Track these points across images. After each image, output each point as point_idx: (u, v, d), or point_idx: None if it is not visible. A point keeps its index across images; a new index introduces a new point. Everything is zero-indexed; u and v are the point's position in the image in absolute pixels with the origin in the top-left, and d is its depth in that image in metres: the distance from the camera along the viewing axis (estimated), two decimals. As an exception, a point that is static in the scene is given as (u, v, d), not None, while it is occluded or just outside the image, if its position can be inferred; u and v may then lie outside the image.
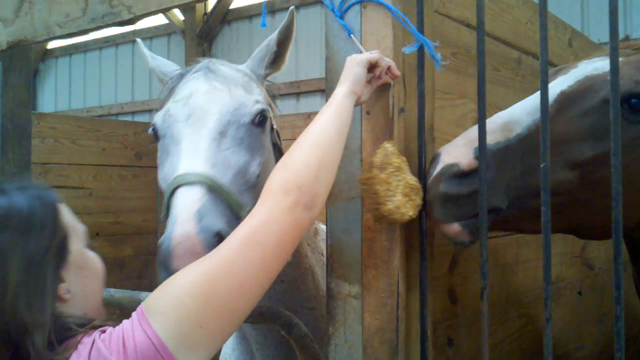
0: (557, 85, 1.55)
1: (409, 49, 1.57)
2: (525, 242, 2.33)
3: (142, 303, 1.24)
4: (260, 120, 1.92)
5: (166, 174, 1.82)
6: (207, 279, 1.23)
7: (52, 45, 10.56)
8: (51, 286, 1.29)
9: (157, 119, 1.93)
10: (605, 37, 5.88)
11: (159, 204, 6.16)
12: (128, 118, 9.35)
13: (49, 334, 1.23)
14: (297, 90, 7.71)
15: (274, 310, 1.82)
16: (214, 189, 1.67)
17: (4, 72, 2.77)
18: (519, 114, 1.52)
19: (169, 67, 2.23)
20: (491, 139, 1.44)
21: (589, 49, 3.00)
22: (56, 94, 10.85)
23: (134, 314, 1.23)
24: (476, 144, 1.41)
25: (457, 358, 1.90)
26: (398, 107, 1.61)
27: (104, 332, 1.24)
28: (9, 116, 2.81)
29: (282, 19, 2.12)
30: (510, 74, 2.29)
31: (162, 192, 1.85)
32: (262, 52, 2.15)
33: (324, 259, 1.92)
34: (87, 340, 1.22)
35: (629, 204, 1.35)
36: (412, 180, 1.52)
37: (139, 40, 2.42)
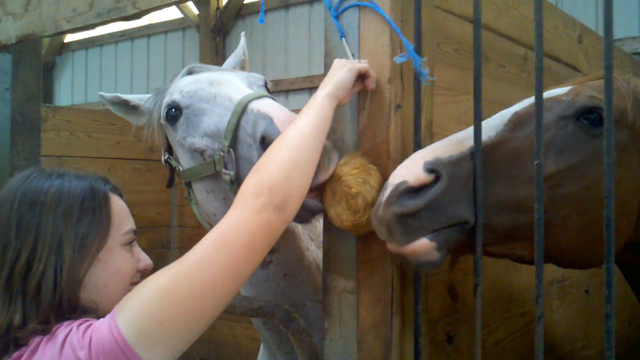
0: (511, 109, 1.57)
1: (399, 60, 1.57)
2: (528, 239, 2.31)
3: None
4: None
5: (212, 122, 1.79)
6: (171, 278, 1.25)
7: (69, 38, 10.67)
8: (86, 267, 1.37)
9: (175, 96, 1.90)
10: (619, 33, 5.79)
11: (173, 197, 6.21)
12: (143, 111, 9.42)
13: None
14: (310, 85, 7.70)
15: (273, 304, 1.84)
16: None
17: (14, 66, 2.81)
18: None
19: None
20: (443, 152, 1.44)
21: (600, 46, 2.96)
22: (73, 87, 10.96)
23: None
24: (426, 159, 1.41)
25: (457, 355, 1.90)
26: (395, 104, 1.61)
27: (84, 322, 1.28)
28: (19, 109, 2.85)
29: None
30: (516, 70, 2.27)
31: (200, 151, 1.82)
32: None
33: None
34: (66, 326, 1.28)
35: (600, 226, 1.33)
36: (347, 187, 1.52)
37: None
